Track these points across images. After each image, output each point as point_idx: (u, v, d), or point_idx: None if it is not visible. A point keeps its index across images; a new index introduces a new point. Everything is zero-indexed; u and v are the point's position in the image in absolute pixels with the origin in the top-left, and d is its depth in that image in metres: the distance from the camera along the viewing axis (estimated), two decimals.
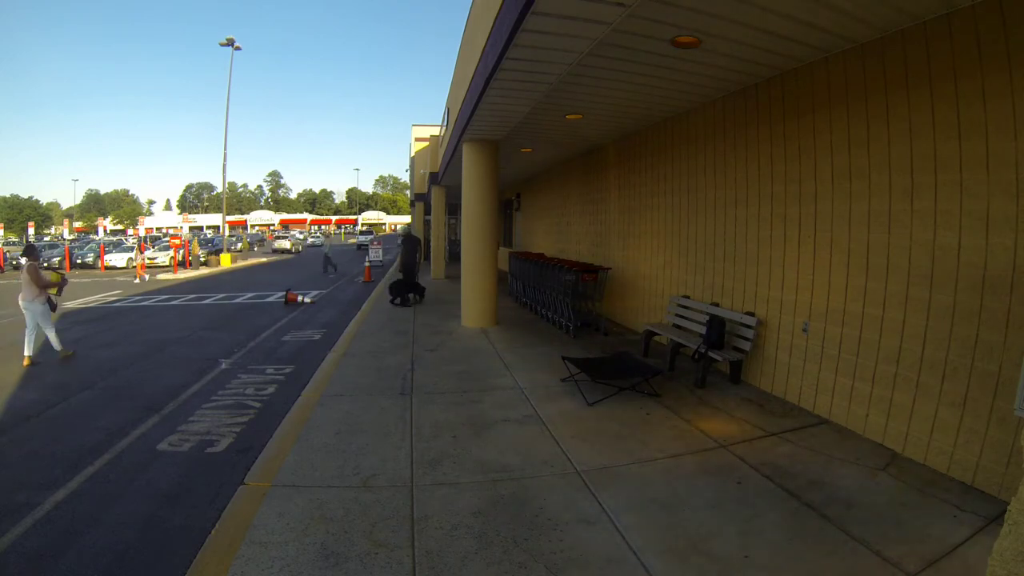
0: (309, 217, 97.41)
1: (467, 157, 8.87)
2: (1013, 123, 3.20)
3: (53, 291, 7.53)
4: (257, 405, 5.58)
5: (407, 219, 72.80)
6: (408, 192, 59.71)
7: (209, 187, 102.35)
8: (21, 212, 66.67)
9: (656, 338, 7.01)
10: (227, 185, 29.04)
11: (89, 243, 33.11)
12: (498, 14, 4.60)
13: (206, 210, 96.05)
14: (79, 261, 25.94)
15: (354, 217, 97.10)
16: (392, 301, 11.48)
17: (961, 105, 3.49)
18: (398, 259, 13.31)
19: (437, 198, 18.49)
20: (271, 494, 3.42)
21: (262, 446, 4.25)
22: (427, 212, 23.37)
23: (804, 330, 4.92)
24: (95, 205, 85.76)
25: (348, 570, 2.67)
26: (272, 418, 4.97)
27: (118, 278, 20.72)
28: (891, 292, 4.04)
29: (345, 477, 3.65)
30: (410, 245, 12.27)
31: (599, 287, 8.83)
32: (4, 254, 25.61)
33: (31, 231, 41.21)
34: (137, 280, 19.17)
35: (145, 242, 30.60)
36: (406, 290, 11.56)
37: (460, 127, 8.31)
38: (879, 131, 4.10)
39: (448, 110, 10.93)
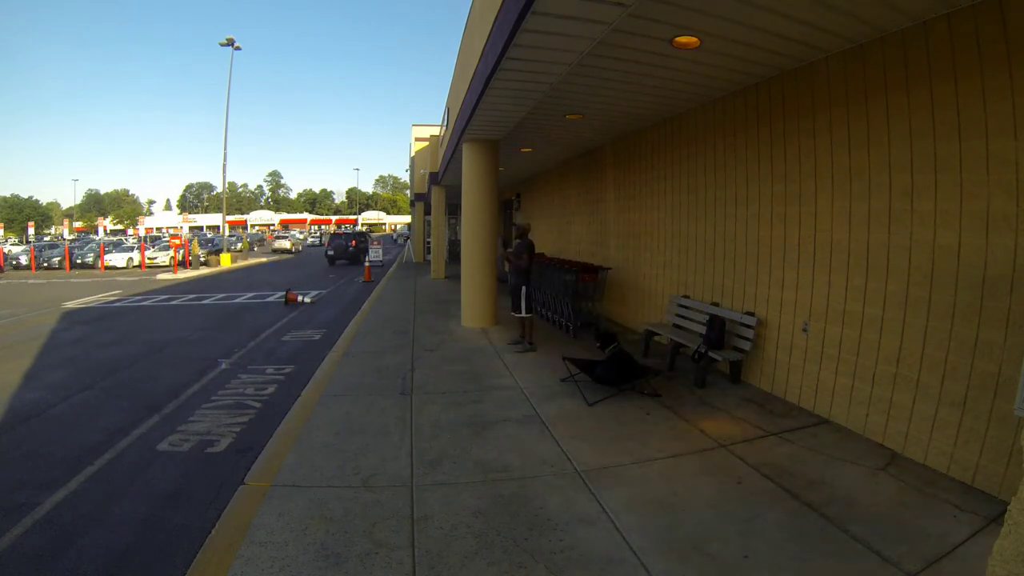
0: (309, 217, 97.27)
1: (467, 157, 8.87)
2: (1013, 123, 3.20)
3: None
4: (257, 405, 5.58)
5: (407, 219, 72.78)
6: (408, 192, 59.69)
7: (209, 187, 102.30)
8: (21, 212, 66.71)
9: (656, 338, 7.01)
10: (227, 185, 29.02)
11: (89, 243, 33.07)
12: (498, 14, 4.59)
13: (206, 210, 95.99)
14: (79, 261, 25.94)
15: (354, 217, 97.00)
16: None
17: (961, 105, 3.49)
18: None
19: (437, 198, 18.50)
20: (271, 494, 3.42)
21: (262, 446, 4.25)
22: (427, 212, 23.37)
23: (804, 330, 4.92)
24: (95, 205, 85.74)
25: (348, 570, 2.67)
26: (272, 418, 4.97)
27: (118, 278, 20.71)
28: (891, 292, 4.04)
29: (345, 477, 3.65)
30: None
31: (599, 287, 8.83)
32: (4, 254, 25.61)
33: (31, 231, 41.26)
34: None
35: (145, 242, 30.60)
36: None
37: (460, 127, 8.31)
38: (879, 131, 4.10)
39: (448, 110, 10.93)
